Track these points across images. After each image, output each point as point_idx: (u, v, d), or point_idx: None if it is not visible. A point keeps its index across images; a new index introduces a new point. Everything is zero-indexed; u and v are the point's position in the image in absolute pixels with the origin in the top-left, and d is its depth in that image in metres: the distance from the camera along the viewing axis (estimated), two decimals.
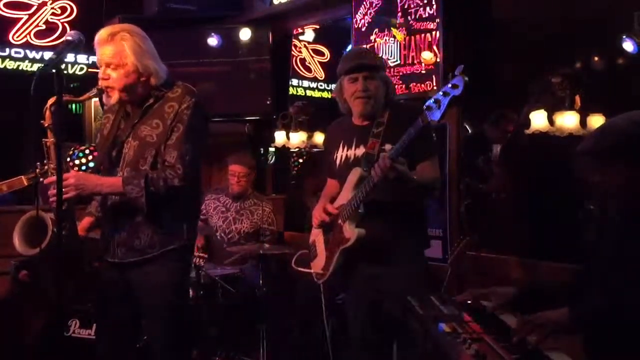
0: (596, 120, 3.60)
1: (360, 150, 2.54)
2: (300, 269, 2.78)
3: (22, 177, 2.64)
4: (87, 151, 4.55)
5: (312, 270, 2.66)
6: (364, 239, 2.41)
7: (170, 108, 2.32)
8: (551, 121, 3.66)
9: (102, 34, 2.29)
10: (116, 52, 2.27)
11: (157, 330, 2.40)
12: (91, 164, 4.35)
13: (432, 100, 2.14)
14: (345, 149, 2.60)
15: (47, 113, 2.28)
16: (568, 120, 3.61)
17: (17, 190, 4.52)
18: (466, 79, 2.08)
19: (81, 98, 2.34)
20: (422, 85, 3.62)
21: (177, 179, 2.27)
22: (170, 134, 2.30)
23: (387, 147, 2.41)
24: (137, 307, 2.39)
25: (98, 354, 2.48)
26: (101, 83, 2.32)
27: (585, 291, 1.75)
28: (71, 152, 4.35)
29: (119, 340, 2.45)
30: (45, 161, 2.38)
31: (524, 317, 1.67)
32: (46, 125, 2.28)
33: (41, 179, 2.40)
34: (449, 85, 2.11)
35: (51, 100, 2.25)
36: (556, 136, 3.62)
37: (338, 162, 2.63)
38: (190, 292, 3.56)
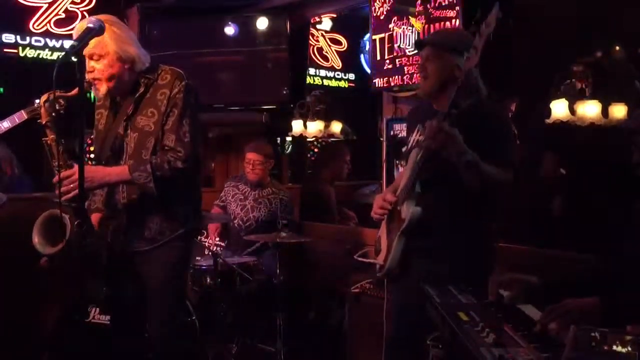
0: (618, 110, 3.56)
1: None
2: (361, 259, 2.71)
3: (23, 111, 2.63)
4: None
5: (375, 261, 2.51)
6: (421, 218, 2.24)
7: (162, 95, 2.37)
8: (572, 110, 3.62)
9: (79, 28, 2.28)
10: (97, 42, 2.26)
11: (154, 304, 2.46)
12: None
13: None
14: (419, 133, 2.37)
15: (42, 110, 2.28)
16: (589, 109, 3.56)
17: (37, 180, 4.58)
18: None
19: (70, 93, 2.26)
20: None
21: (179, 161, 2.33)
22: (166, 119, 2.36)
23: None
24: (143, 290, 2.45)
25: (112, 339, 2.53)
26: (87, 76, 2.33)
27: (620, 282, 1.69)
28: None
29: (129, 324, 2.51)
30: (40, 113, 2.32)
31: (551, 305, 1.63)
32: (43, 123, 2.28)
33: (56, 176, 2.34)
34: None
35: (44, 97, 2.28)
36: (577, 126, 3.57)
37: (409, 146, 2.43)
38: (208, 280, 3.60)
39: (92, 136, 4.04)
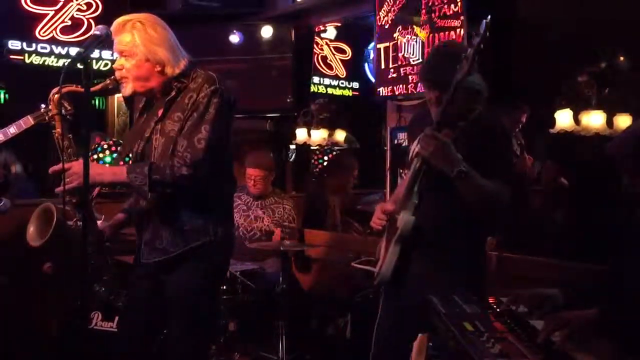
0: (623, 120, 3.55)
1: None
2: (359, 266, 2.72)
3: (29, 116, 2.62)
4: (105, 146, 4.57)
5: (373, 269, 2.50)
6: (415, 227, 2.24)
7: (190, 99, 2.24)
8: (577, 120, 3.62)
9: (117, 22, 2.25)
10: (127, 40, 2.22)
11: (173, 330, 2.36)
12: (107, 159, 4.36)
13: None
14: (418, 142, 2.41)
15: (52, 103, 2.29)
16: (594, 119, 3.56)
17: (40, 183, 4.59)
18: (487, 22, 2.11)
19: (94, 88, 2.23)
20: None
21: (184, 167, 2.15)
22: (184, 123, 2.22)
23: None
24: (161, 306, 2.35)
25: (117, 349, 2.48)
26: (117, 73, 2.28)
27: (616, 292, 1.71)
28: (95, 146, 4.37)
29: (140, 338, 2.42)
30: (49, 107, 2.33)
31: (551, 315, 1.64)
32: (51, 114, 2.28)
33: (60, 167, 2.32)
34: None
35: (55, 90, 2.26)
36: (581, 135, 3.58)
37: (410, 155, 2.42)
38: None
39: (100, 139, 4.04)
